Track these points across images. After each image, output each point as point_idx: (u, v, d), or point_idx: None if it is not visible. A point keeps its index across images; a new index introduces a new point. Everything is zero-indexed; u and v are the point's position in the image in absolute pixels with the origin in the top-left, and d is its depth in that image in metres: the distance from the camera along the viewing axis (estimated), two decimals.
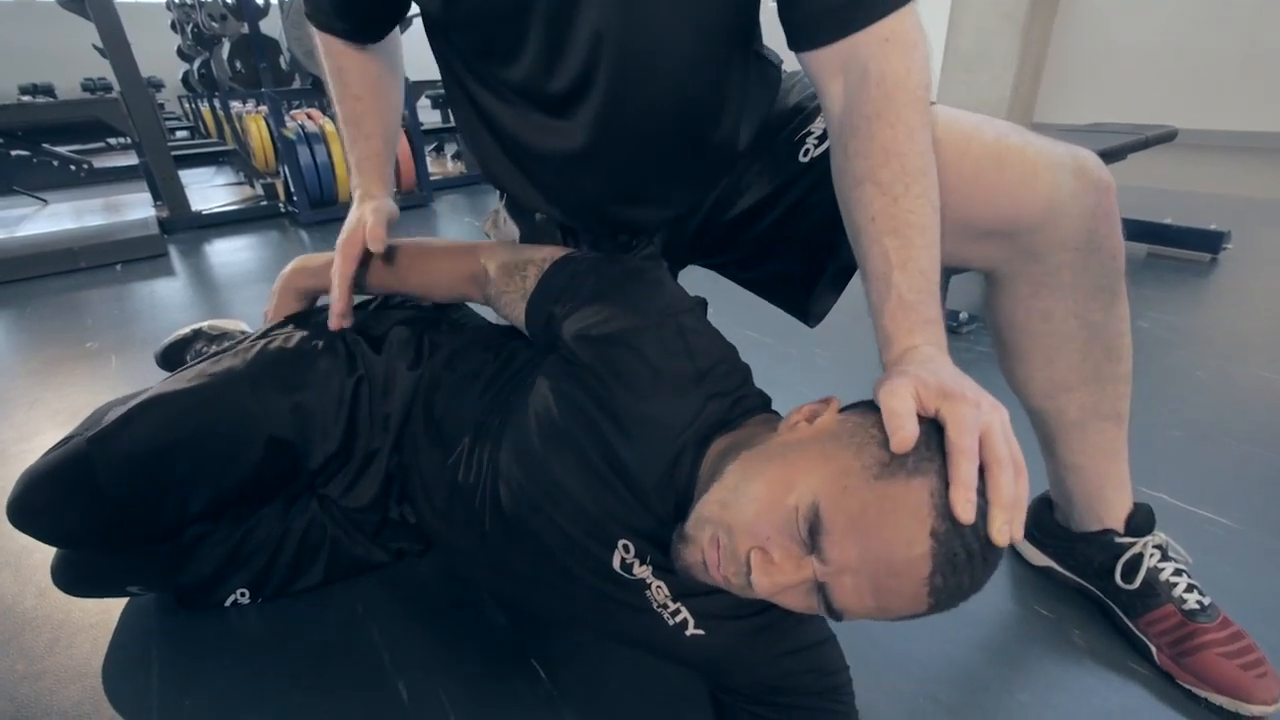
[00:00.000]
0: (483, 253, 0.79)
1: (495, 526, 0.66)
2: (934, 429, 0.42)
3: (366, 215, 0.78)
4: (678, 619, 0.60)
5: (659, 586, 0.59)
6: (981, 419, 0.41)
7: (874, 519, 0.41)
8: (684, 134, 0.70)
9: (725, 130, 0.72)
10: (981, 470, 0.40)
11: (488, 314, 0.89)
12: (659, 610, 0.60)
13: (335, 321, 0.80)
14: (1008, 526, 0.39)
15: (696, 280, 0.68)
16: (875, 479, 0.41)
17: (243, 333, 1.21)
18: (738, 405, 0.60)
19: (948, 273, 1.54)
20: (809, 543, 0.43)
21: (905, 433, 0.41)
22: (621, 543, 0.59)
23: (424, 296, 0.87)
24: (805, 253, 0.77)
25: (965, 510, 0.39)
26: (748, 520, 0.46)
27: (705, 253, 0.87)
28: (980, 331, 1.58)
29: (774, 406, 0.63)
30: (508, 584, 0.71)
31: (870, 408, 0.46)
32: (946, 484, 0.40)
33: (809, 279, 0.78)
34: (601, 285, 0.67)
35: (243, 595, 0.84)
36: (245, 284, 2.24)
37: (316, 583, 0.86)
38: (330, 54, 0.79)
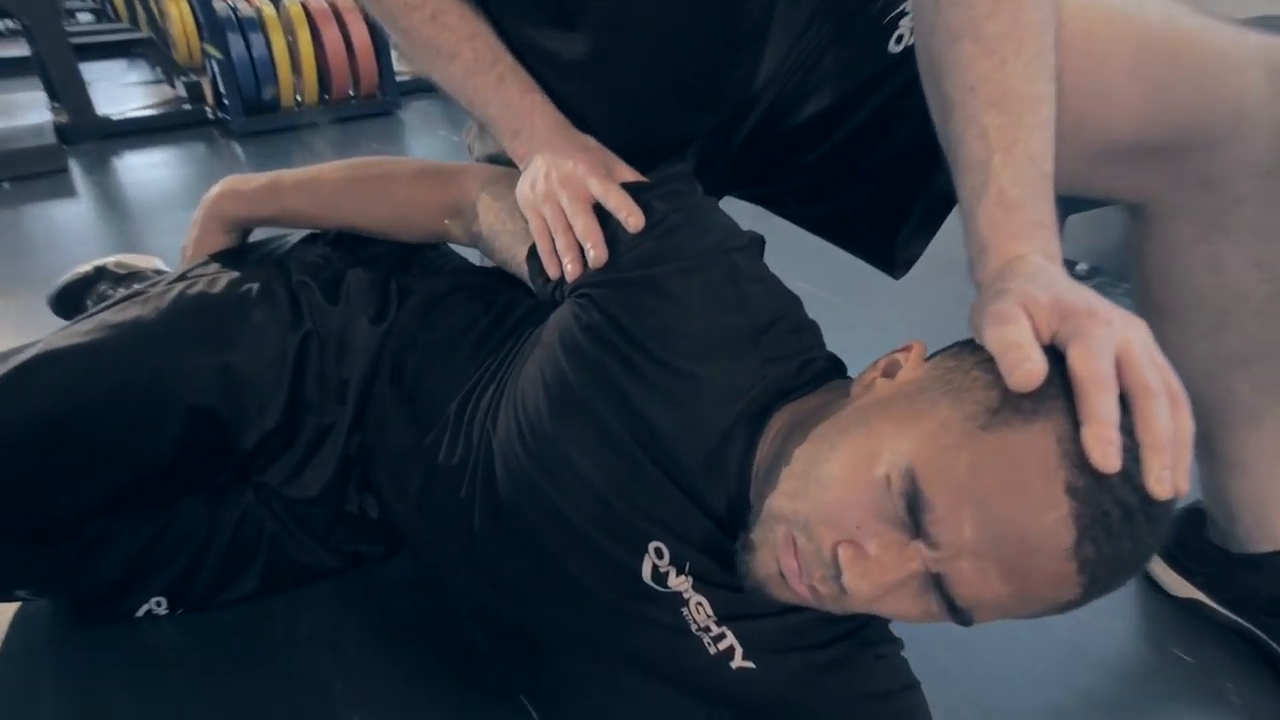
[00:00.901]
0: (468, 178, 0.78)
1: (486, 521, 0.66)
2: (1054, 358, 0.40)
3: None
4: (721, 646, 0.59)
5: (700, 603, 0.58)
6: (1116, 337, 0.39)
7: (988, 481, 0.40)
8: (701, 22, 0.68)
9: (756, 9, 0.70)
10: (1124, 404, 0.38)
11: (471, 255, 0.87)
12: (698, 634, 0.59)
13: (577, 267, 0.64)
14: (1168, 472, 0.37)
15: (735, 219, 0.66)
16: (982, 429, 0.40)
17: (157, 272, 1.20)
18: (804, 370, 0.59)
19: (1074, 206, 1.49)
20: (910, 524, 0.42)
21: (1032, 364, 0.39)
22: (653, 545, 0.58)
23: (387, 234, 0.85)
24: (891, 180, 0.74)
25: (1105, 454, 0.37)
26: (828, 508, 0.45)
27: (752, 179, 0.84)
28: (1108, 288, 1.54)
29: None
30: (496, 595, 0.71)
31: (965, 348, 0.46)
32: (1078, 425, 0.38)
33: (893, 216, 0.76)
34: None
35: (159, 605, 0.84)
36: (163, 210, 2.24)
37: (251, 592, 0.86)
38: (415, 8, 0.72)
